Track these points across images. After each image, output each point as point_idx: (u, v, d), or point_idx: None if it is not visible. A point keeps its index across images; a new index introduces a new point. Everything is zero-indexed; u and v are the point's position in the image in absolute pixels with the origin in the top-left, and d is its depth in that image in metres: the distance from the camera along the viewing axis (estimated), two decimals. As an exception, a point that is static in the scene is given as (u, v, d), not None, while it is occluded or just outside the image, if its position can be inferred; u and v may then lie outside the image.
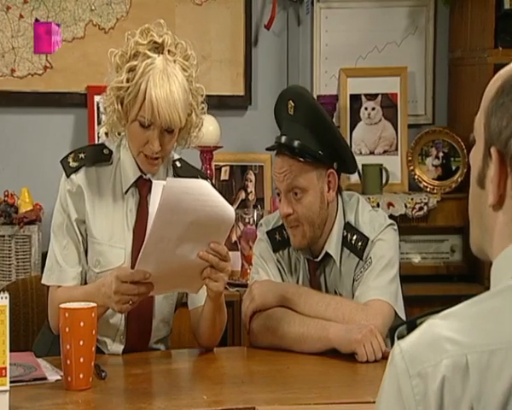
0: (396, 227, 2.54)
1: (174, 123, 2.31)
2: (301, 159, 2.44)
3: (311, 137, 2.44)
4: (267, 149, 2.57)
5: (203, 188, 2.14)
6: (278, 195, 2.52)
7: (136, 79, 2.30)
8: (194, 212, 2.11)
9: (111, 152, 2.44)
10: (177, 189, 2.10)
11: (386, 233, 2.50)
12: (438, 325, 1.07)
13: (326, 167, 2.48)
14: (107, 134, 2.47)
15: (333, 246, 2.50)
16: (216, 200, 2.14)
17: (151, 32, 2.34)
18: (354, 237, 2.50)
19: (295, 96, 2.48)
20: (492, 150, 1.13)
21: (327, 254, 2.51)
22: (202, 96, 2.41)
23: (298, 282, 2.56)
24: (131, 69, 2.32)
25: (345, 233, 2.51)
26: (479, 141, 1.17)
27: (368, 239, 2.48)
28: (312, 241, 2.51)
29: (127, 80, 2.32)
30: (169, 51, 2.33)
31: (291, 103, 2.47)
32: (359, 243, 2.49)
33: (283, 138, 2.47)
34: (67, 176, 2.41)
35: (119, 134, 2.42)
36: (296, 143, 2.44)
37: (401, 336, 1.09)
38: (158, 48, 2.33)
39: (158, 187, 2.12)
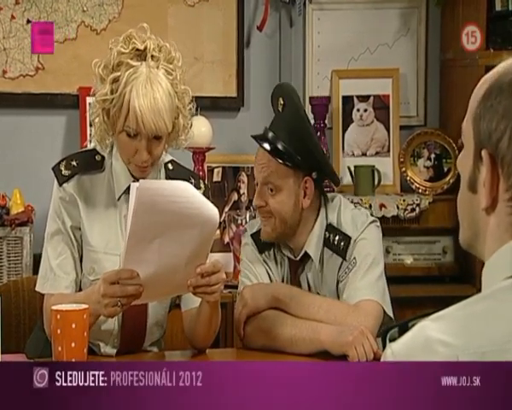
0: (378, 224, 2.55)
1: (160, 131, 2.29)
2: (278, 160, 2.45)
3: (293, 140, 2.45)
4: (252, 137, 2.55)
5: (181, 190, 2.11)
6: (257, 185, 2.53)
7: (119, 90, 2.27)
8: (171, 214, 2.08)
9: (103, 158, 2.43)
10: (151, 191, 2.08)
11: (368, 231, 2.50)
12: (429, 328, 1.07)
13: (303, 174, 2.48)
14: None
15: (312, 246, 2.51)
16: (196, 201, 2.11)
17: (133, 40, 2.30)
18: (336, 238, 2.50)
19: (285, 95, 2.49)
20: (483, 153, 1.13)
21: (306, 253, 2.52)
22: (189, 97, 2.38)
23: (282, 280, 2.57)
24: (115, 80, 2.29)
25: (327, 235, 2.51)
26: (467, 145, 1.17)
27: (350, 239, 2.48)
28: (281, 237, 2.52)
29: (111, 92, 2.29)
30: (152, 57, 2.29)
31: (281, 101, 2.48)
32: (342, 243, 2.49)
33: (270, 134, 2.49)
34: (60, 185, 2.39)
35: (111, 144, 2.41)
36: (280, 144, 2.46)
37: (393, 339, 1.09)
38: (141, 55, 2.30)
39: (134, 190, 2.09)
